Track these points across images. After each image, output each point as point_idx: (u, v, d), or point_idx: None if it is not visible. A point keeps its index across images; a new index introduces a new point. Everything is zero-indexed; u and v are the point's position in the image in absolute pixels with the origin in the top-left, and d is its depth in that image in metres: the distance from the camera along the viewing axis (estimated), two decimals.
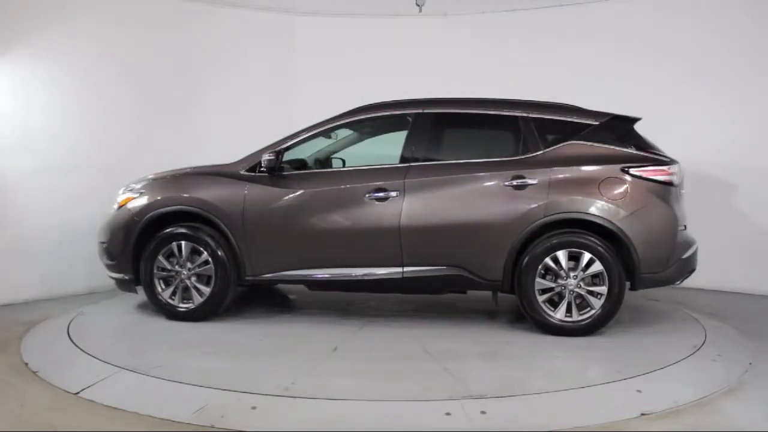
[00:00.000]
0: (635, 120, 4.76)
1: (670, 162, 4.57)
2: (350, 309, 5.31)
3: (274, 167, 4.80)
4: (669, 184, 4.52)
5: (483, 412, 3.12)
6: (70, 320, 4.87)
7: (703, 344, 4.28)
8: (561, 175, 4.55)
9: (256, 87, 7.33)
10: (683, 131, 6.29)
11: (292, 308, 5.52)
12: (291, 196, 4.79)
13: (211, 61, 7.02)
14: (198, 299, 4.86)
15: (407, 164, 4.74)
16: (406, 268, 4.65)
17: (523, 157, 4.66)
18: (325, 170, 5.17)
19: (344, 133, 5.34)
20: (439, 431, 3.01)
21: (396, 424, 3.07)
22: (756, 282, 6.11)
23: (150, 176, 5.26)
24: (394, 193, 4.64)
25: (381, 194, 4.66)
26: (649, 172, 4.52)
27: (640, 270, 4.44)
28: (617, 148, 4.59)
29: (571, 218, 4.48)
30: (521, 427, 3.02)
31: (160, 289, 4.90)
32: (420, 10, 7.16)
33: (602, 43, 6.77)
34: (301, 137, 4.95)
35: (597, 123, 4.70)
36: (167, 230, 4.88)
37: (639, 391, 3.42)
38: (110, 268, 5.14)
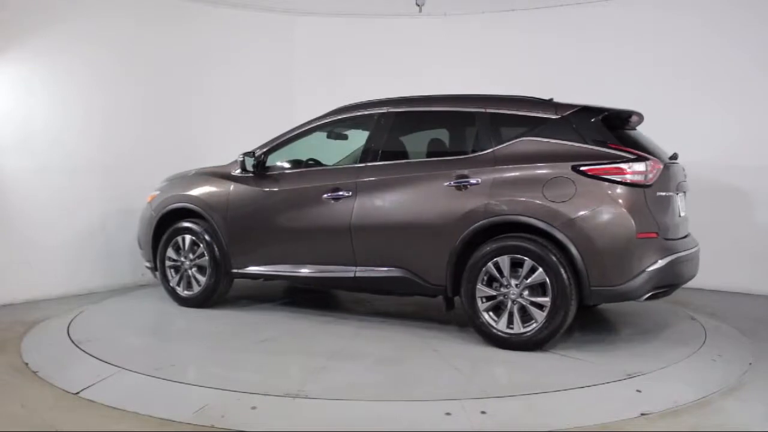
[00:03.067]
0: (601, 112, 4.26)
1: (633, 160, 4.03)
2: (353, 308, 5.32)
3: (255, 167, 5.08)
4: (629, 184, 3.99)
5: (483, 412, 3.12)
6: (70, 320, 4.87)
7: (703, 344, 4.28)
8: (505, 175, 4.22)
9: (256, 87, 7.34)
10: (684, 131, 6.28)
11: (302, 305, 5.51)
12: (264, 195, 5.07)
13: (211, 61, 7.03)
14: (197, 288, 5.29)
15: (362, 164, 4.77)
16: (358, 268, 4.68)
17: (470, 155, 4.41)
18: (294, 170, 5.18)
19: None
20: (439, 431, 3.01)
21: (396, 424, 3.07)
22: (756, 282, 6.10)
23: (170, 176, 5.76)
24: (346, 193, 4.71)
25: (336, 194, 4.74)
26: (603, 170, 4.01)
27: (589, 282, 3.96)
28: (573, 144, 4.14)
29: (510, 221, 4.14)
30: (521, 427, 3.02)
31: (170, 277, 5.44)
32: (420, 10, 7.17)
33: (602, 43, 6.77)
34: (282, 139, 5.18)
35: (556, 117, 4.28)
36: (175, 225, 5.39)
37: (639, 391, 3.42)
38: (142, 255, 5.76)
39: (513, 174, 4.21)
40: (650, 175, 4.04)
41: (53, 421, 3.12)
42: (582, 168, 4.03)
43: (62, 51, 5.96)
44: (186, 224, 5.34)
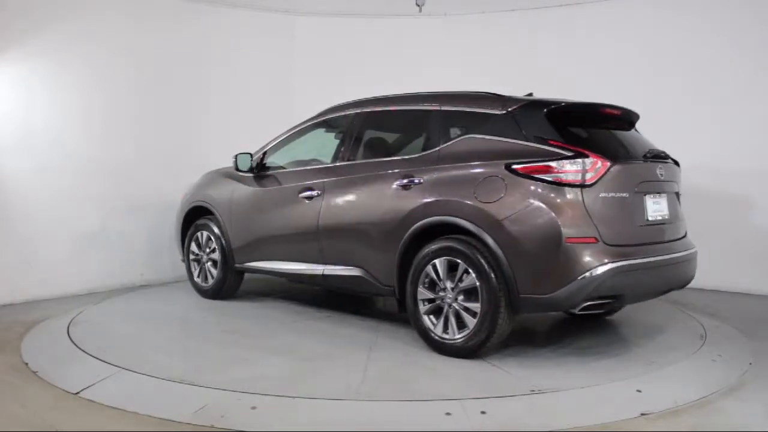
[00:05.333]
0: (547, 105, 4.00)
1: (567, 157, 3.71)
2: (360, 310, 5.32)
3: (253, 168, 5.31)
4: (562, 184, 3.68)
5: (483, 412, 3.12)
6: (70, 320, 4.88)
7: (703, 344, 4.28)
8: (444, 174, 4.09)
9: (256, 86, 7.34)
10: (684, 131, 6.30)
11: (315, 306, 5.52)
12: (256, 194, 5.32)
13: (211, 60, 7.03)
14: (211, 281, 5.68)
15: (330, 165, 4.88)
16: (326, 266, 4.75)
17: (419, 155, 4.33)
18: (281, 171, 5.30)
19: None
20: (439, 431, 3.01)
21: (396, 424, 3.07)
22: (756, 282, 6.10)
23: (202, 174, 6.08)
24: (316, 193, 4.80)
25: (308, 194, 4.85)
26: (532, 169, 3.74)
27: (517, 289, 3.72)
28: (512, 141, 3.91)
29: (445, 222, 4.00)
30: (521, 427, 3.02)
31: (193, 270, 5.86)
32: (420, 10, 7.16)
33: (602, 43, 6.77)
34: (277, 140, 5.40)
35: (501, 113, 4.05)
36: (195, 221, 5.81)
37: (639, 391, 3.42)
38: (178, 249, 6.11)
39: (450, 173, 4.06)
40: (589, 175, 3.70)
41: (53, 421, 3.12)
42: (513, 166, 3.80)
43: (62, 51, 5.96)
44: (203, 221, 5.73)
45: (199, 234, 5.78)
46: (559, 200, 3.67)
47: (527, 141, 3.86)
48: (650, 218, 4.00)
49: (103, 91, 6.24)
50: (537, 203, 3.69)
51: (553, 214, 3.64)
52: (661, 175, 4.13)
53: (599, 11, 6.78)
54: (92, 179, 6.15)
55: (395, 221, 4.24)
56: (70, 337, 4.44)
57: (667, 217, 4.16)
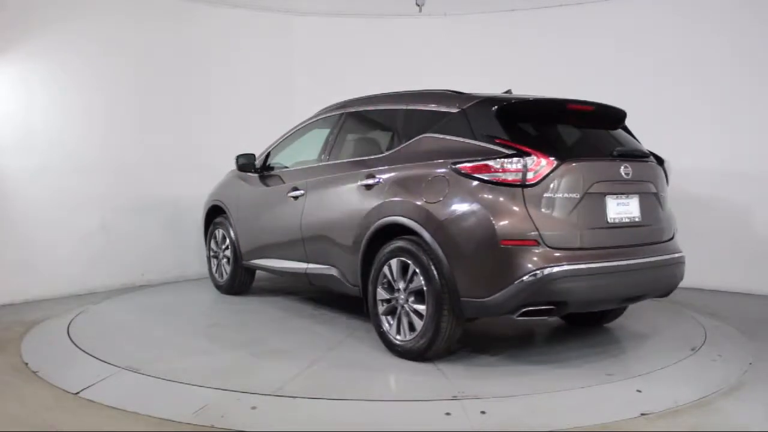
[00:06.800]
0: (499, 102, 3.86)
1: (506, 155, 3.56)
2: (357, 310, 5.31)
3: (256, 167, 5.49)
4: (501, 183, 3.54)
5: (483, 412, 3.12)
6: (70, 320, 4.88)
7: (703, 344, 4.28)
8: (399, 174, 4.04)
9: (256, 86, 7.34)
10: (684, 131, 6.30)
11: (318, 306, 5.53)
12: (257, 194, 5.48)
13: (211, 60, 7.03)
14: (225, 277, 5.91)
15: (313, 165, 4.96)
16: (308, 265, 4.82)
17: (383, 155, 4.30)
18: (279, 171, 5.41)
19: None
20: (439, 431, 3.01)
21: (396, 424, 3.07)
22: (756, 282, 6.10)
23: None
24: (301, 192, 4.89)
25: (294, 193, 4.94)
26: (472, 168, 3.64)
27: (458, 292, 3.59)
28: (461, 140, 3.82)
29: (396, 222, 3.93)
30: (521, 427, 3.02)
31: (212, 265, 6.13)
32: (420, 10, 7.16)
33: (602, 43, 6.77)
34: (278, 142, 5.55)
35: (455, 111, 3.95)
36: (215, 220, 6.04)
37: (639, 391, 3.42)
38: (205, 246, 6.32)
39: (405, 173, 4.01)
40: (530, 174, 3.52)
41: (53, 421, 3.12)
42: (457, 166, 3.70)
43: (62, 51, 5.96)
44: (220, 219, 5.96)
45: (216, 232, 6.03)
46: (497, 201, 3.53)
47: (476, 139, 3.76)
48: (612, 220, 3.76)
49: (103, 91, 6.24)
50: (475, 204, 3.58)
51: (490, 215, 3.51)
52: (627, 174, 3.83)
53: (599, 11, 6.78)
54: (92, 179, 6.15)
55: (359, 221, 4.23)
56: (70, 337, 4.44)
57: (637, 220, 3.89)
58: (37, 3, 5.79)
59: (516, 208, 3.51)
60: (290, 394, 3.34)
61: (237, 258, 5.73)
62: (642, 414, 3.14)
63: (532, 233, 3.47)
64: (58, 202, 5.95)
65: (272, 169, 5.48)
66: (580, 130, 4.05)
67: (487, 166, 3.58)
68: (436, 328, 3.70)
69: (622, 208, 3.83)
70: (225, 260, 5.92)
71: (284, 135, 5.57)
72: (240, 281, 5.85)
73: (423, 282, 3.74)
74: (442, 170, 3.77)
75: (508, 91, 4.45)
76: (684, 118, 6.36)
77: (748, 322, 5.02)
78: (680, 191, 6.07)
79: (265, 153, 5.57)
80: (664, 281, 4.01)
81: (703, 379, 3.68)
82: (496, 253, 3.47)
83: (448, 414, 3.11)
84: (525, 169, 3.53)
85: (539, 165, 3.53)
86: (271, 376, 3.62)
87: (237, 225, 5.70)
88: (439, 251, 3.65)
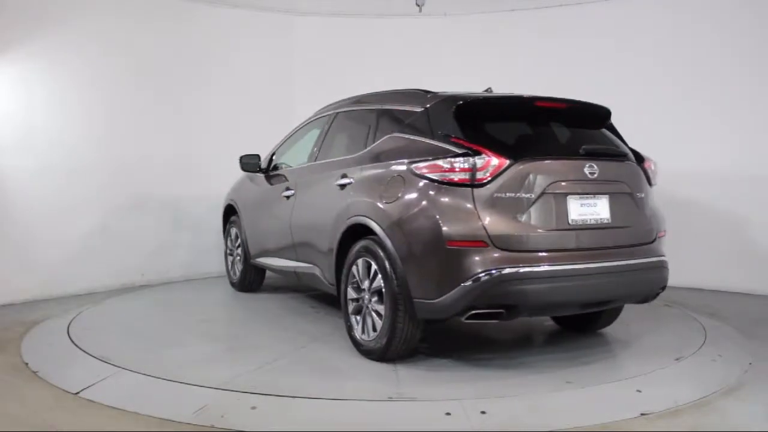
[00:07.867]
0: (460, 100, 3.77)
1: (455, 155, 3.48)
2: None
3: (259, 168, 5.58)
4: (451, 183, 3.47)
5: (483, 412, 3.12)
6: (70, 320, 4.88)
7: (703, 344, 4.27)
8: (365, 174, 4.03)
9: (256, 86, 7.34)
10: (684, 132, 6.30)
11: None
12: (259, 193, 5.61)
13: (211, 60, 7.03)
14: (238, 274, 6.06)
15: (304, 165, 5.04)
16: (297, 264, 4.88)
17: (357, 154, 4.27)
18: (279, 171, 5.50)
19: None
20: (439, 431, 3.01)
21: (396, 424, 3.07)
22: (756, 282, 6.10)
23: None
24: (291, 192, 4.98)
25: (287, 193, 5.03)
26: (424, 168, 3.58)
27: (410, 293, 3.54)
28: (420, 140, 3.76)
29: (360, 222, 3.92)
30: (521, 427, 3.02)
31: (228, 263, 6.30)
32: (420, 10, 7.16)
33: (602, 43, 6.77)
34: (282, 142, 5.63)
35: (419, 110, 3.91)
36: (230, 219, 6.21)
37: (639, 391, 3.42)
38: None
39: (370, 173, 4.00)
40: (480, 174, 3.42)
41: (53, 421, 3.12)
42: (412, 165, 3.65)
43: (62, 51, 5.96)
44: (234, 218, 6.12)
45: (231, 231, 6.21)
46: (445, 201, 3.47)
47: (434, 139, 3.69)
48: (575, 221, 3.59)
49: (103, 91, 6.24)
50: (424, 204, 3.53)
51: (437, 216, 3.44)
52: (592, 174, 3.65)
53: (599, 11, 6.78)
54: (92, 179, 6.15)
55: (333, 221, 4.23)
56: (70, 337, 4.44)
57: (606, 221, 3.70)
58: (37, 3, 5.79)
59: (464, 209, 3.42)
60: (237, 388, 3.38)
61: (246, 256, 5.85)
62: (642, 414, 3.14)
63: (480, 234, 3.37)
64: (58, 202, 5.95)
65: (276, 168, 5.57)
66: (549, 129, 3.89)
67: (437, 165, 3.52)
68: (392, 329, 3.65)
69: (588, 209, 3.66)
70: (238, 258, 6.07)
71: (288, 134, 5.65)
72: (250, 279, 5.99)
73: (382, 282, 3.71)
74: (401, 170, 3.74)
75: (489, 90, 4.41)
76: (684, 118, 6.36)
77: (748, 322, 5.02)
78: (680, 191, 6.08)
79: (271, 153, 5.66)
80: (638, 286, 3.83)
81: (703, 379, 3.68)
82: (442, 255, 3.41)
83: (448, 414, 3.11)
84: (474, 169, 3.44)
85: (489, 164, 3.44)
86: (229, 370, 3.70)
87: (245, 224, 5.84)
88: (393, 252, 3.62)
